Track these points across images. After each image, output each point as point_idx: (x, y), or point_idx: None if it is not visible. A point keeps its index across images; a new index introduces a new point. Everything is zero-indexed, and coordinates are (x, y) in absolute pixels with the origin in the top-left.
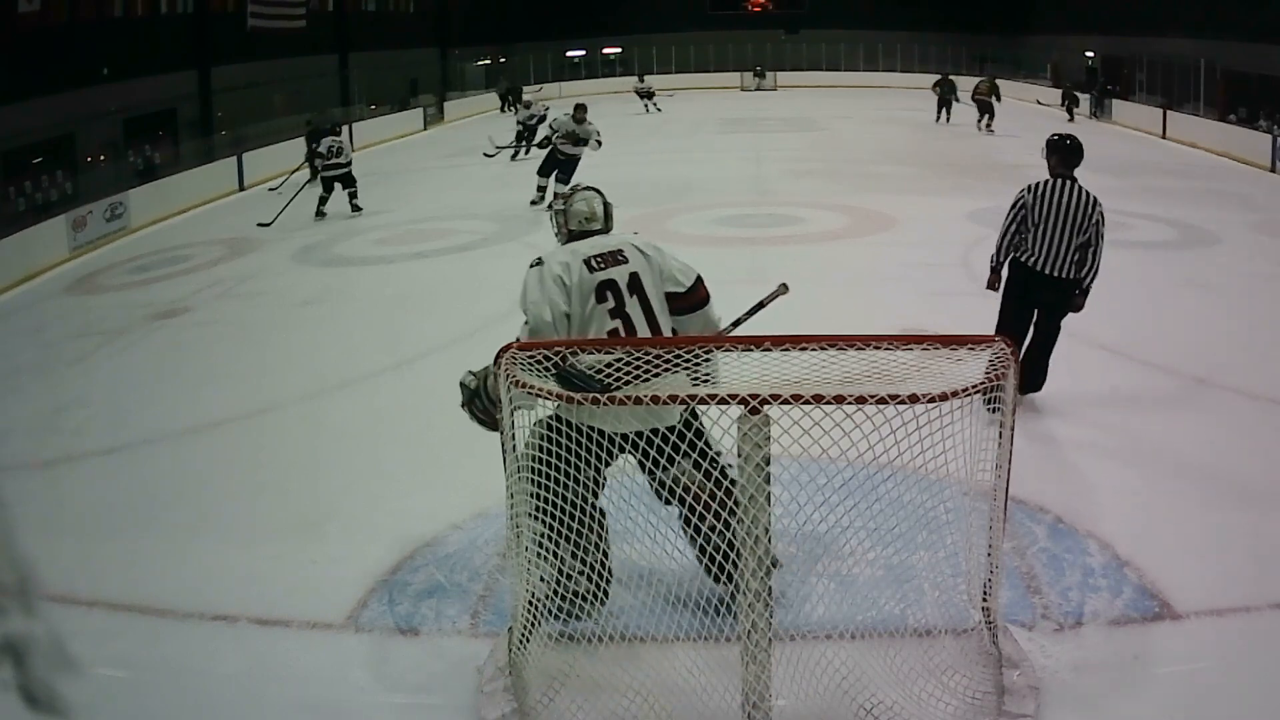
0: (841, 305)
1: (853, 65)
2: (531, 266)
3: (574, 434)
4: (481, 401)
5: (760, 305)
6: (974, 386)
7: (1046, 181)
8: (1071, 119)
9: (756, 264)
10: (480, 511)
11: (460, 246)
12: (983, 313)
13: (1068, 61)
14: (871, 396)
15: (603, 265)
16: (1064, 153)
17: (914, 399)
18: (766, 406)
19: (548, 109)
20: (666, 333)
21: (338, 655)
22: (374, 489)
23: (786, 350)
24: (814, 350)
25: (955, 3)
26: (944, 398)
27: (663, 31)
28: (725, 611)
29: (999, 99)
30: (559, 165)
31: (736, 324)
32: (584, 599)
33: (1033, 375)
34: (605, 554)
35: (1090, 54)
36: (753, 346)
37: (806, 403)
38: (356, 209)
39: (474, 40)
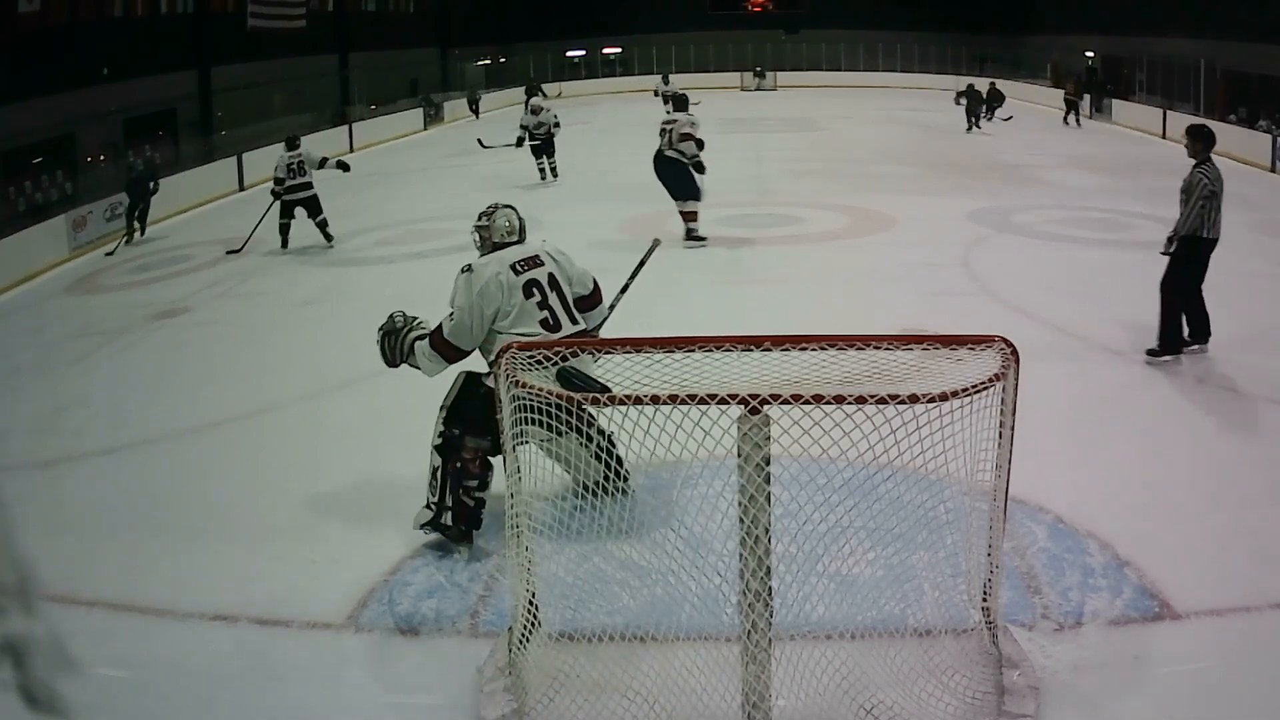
0: (841, 305)
1: (853, 65)
2: (462, 272)
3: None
4: (394, 341)
5: (640, 265)
6: (974, 386)
7: (1211, 165)
8: (971, 126)
9: (757, 264)
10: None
11: (460, 246)
12: (983, 313)
13: (1068, 62)
14: (871, 396)
15: (526, 268)
16: (1209, 139)
17: (914, 399)
18: (766, 406)
19: (558, 120)
20: (579, 321)
21: (338, 655)
22: (374, 489)
23: (786, 350)
24: (814, 350)
25: (955, 3)
26: (944, 398)
27: (663, 31)
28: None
29: (1081, 96)
30: (692, 175)
31: (624, 290)
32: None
33: (1206, 323)
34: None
35: (1090, 54)
36: (753, 346)
37: (806, 403)
38: (329, 238)
39: (474, 40)
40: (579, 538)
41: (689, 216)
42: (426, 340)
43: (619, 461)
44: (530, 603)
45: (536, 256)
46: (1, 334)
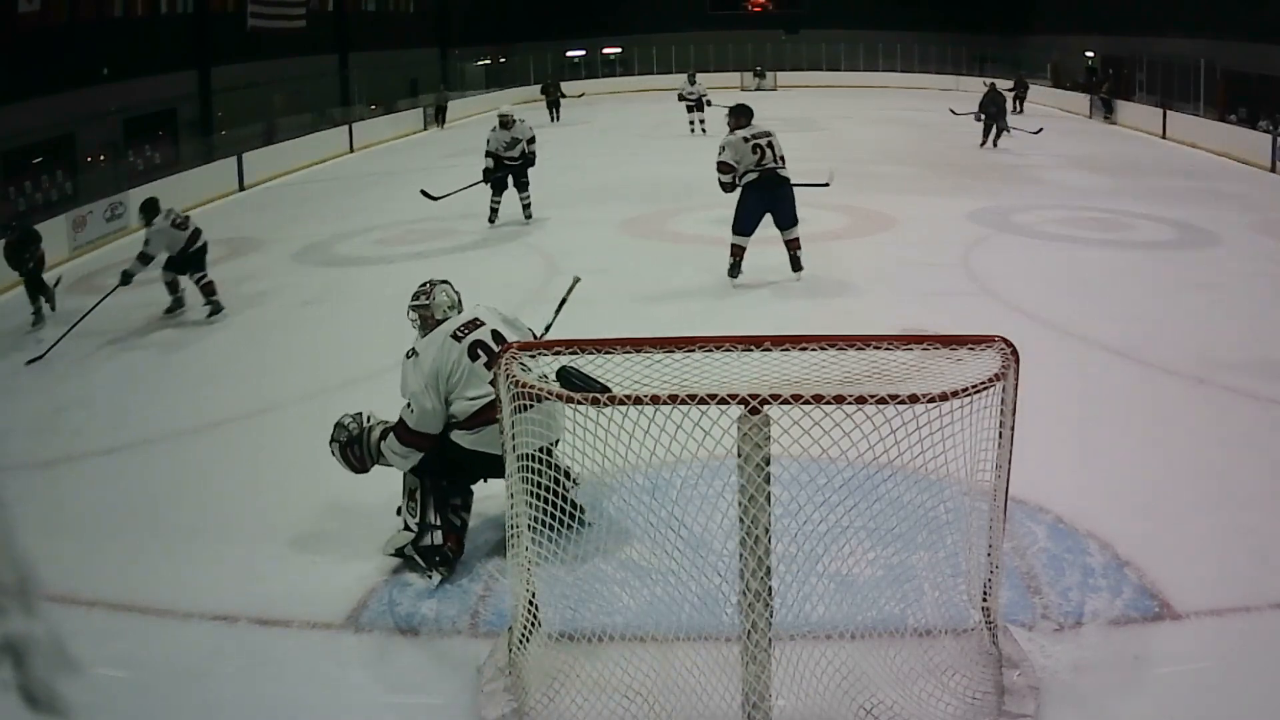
0: (841, 305)
1: (853, 65)
2: (407, 357)
3: (468, 459)
4: (358, 450)
5: (561, 304)
6: (974, 386)
7: None
8: (989, 138)
9: (756, 264)
10: (480, 512)
11: (460, 246)
12: (983, 313)
13: (1068, 62)
14: (871, 396)
15: (466, 332)
16: None
17: (914, 399)
18: (766, 406)
19: (534, 135)
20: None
21: (338, 655)
22: (374, 489)
23: (786, 350)
24: (814, 350)
25: (955, 3)
26: (944, 398)
27: (663, 31)
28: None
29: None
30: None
31: (547, 329)
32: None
33: None
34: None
35: (1090, 54)
36: (753, 346)
37: (806, 403)
38: (216, 308)
39: (474, 40)
40: (578, 538)
41: (796, 244)
42: (393, 437)
43: (572, 503)
44: (530, 603)
45: (475, 319)
46: (1, 334)
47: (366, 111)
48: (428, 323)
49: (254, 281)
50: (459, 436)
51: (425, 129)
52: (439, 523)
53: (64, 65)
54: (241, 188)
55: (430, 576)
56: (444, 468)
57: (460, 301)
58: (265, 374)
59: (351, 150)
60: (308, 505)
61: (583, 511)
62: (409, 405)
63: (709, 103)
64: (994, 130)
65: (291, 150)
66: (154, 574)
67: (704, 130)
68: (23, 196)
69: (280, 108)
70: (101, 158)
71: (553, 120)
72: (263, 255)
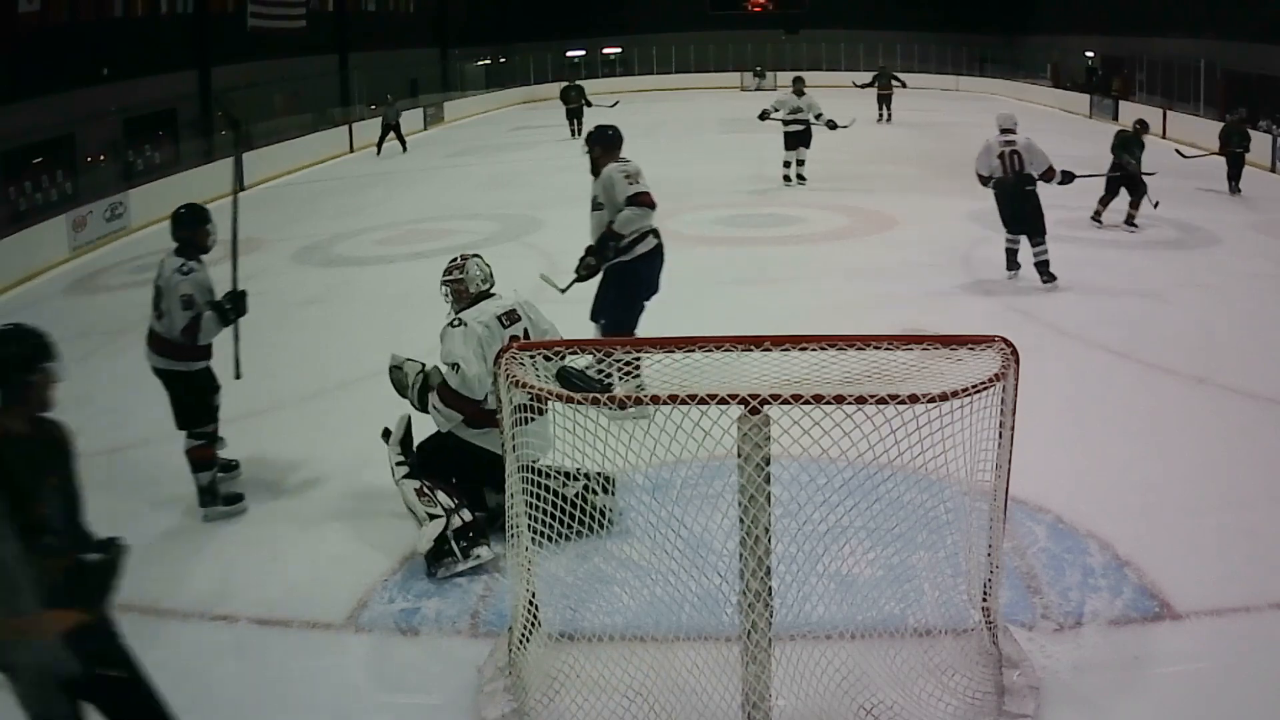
0: (841, 305)
1: (853, 65)
2: (453, 326)
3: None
4: (413, 395)
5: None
6: (974, 386)
7: None
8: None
9: (756, 264)
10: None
11: (460, 246)
12: (983, 313)
13: (1068, 62)
14: (871, 396)
15: (509, 323)
16: None
17: (914, 399)
18: (766, 406)
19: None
20: None
21: (338, 655)
22: (374, 489)
23: (786, 350)
24: (814, 350)
25: (955, 3)
26: (944, 398)
27: (663, 31)
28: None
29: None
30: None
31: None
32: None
33: None
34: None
35: (1090, 54)
36: (753, 346)
37: (806, 403)
38: None
39: (474, 40)
40: (578, 537)
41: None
42: (436, 396)
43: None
44: (530, 603)
45: (514, 310)
46: None
47: (366, 111)
48: (462, 296)
49: (254, 281)
50: (463, 433)
51: (426, 129)
52: (457, 504)
53: (64, 65)
54: (241, 188)
55: (474, 556)
56: (445, 466)
57: (492, 275)
58: (265, 374)
59: (351, 150)
60: (308, 506)
61: (599, 516)
62: (454, 367)
63: (832, 125)
64: (1111, 196)
65: (291, 150)
66: (154, 574)
67: (802, 179)
68: (23, 196)
69: (280, 108)
70: (101, 158)
71: (574, 135)
72: (263, 255)
